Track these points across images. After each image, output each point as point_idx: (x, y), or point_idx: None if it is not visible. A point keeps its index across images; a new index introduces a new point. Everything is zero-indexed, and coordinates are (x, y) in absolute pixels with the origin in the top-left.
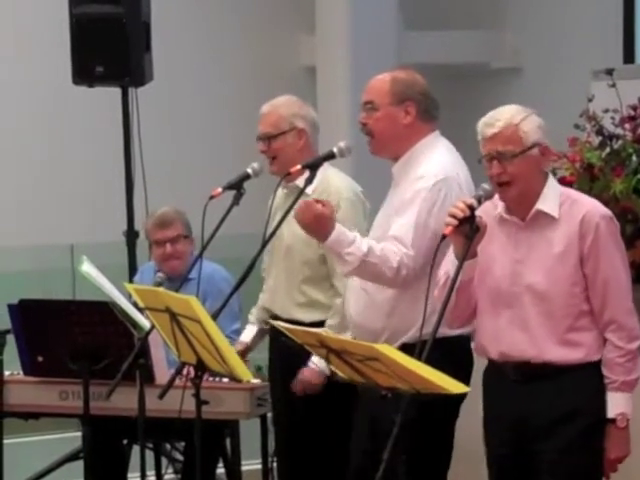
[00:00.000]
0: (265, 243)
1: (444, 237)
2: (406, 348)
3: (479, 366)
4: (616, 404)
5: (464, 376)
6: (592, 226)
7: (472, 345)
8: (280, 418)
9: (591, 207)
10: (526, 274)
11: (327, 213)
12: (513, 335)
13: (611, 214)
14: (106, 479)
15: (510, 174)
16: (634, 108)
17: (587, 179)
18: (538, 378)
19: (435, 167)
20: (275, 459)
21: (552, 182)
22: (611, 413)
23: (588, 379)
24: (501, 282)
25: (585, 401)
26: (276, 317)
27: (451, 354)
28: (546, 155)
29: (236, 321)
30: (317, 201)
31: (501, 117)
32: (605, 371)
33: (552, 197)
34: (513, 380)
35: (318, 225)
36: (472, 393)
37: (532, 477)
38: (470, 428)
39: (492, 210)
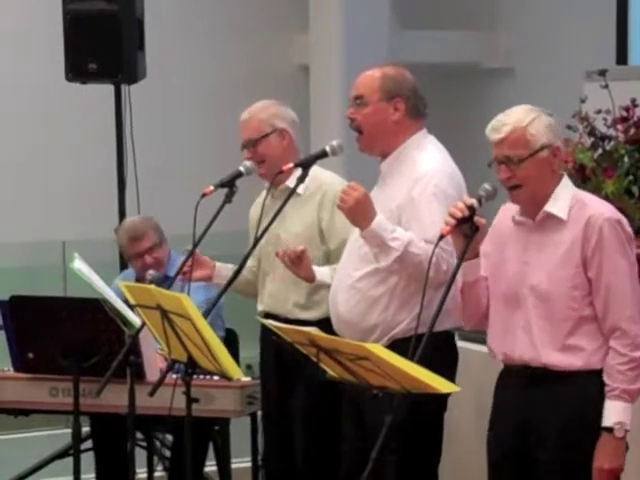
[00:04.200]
0: (257, 241)
1: (442, 237)
2: (396, 344)
3: (469, 363)
4: (615, 413)
5: (449, 372)
6: (596, 229)
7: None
8: (271, 418)
9: (596, 210)
10: (531, 275)
11: (368, 197)
12: (515, 337)
13: (619, 217)
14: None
15: (520, 178)
16: (627, 109)
17: (579, 180)
18: (539, 383)
19: (434, 166)
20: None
21: (566, 183)
22: (608, 421)
23: (590, 387)
24: (511, 283)
25: (586, 410)
26: (276, 317)
27: (436, 349)
28: (557, 156)
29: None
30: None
31: (508, 120)
32: (606, 378)
33: (563, 199)
34: (517, 384)
35: (364, 207)
36: (463, 390)
37: None
38: (460, 423)
39: (511, 212)
